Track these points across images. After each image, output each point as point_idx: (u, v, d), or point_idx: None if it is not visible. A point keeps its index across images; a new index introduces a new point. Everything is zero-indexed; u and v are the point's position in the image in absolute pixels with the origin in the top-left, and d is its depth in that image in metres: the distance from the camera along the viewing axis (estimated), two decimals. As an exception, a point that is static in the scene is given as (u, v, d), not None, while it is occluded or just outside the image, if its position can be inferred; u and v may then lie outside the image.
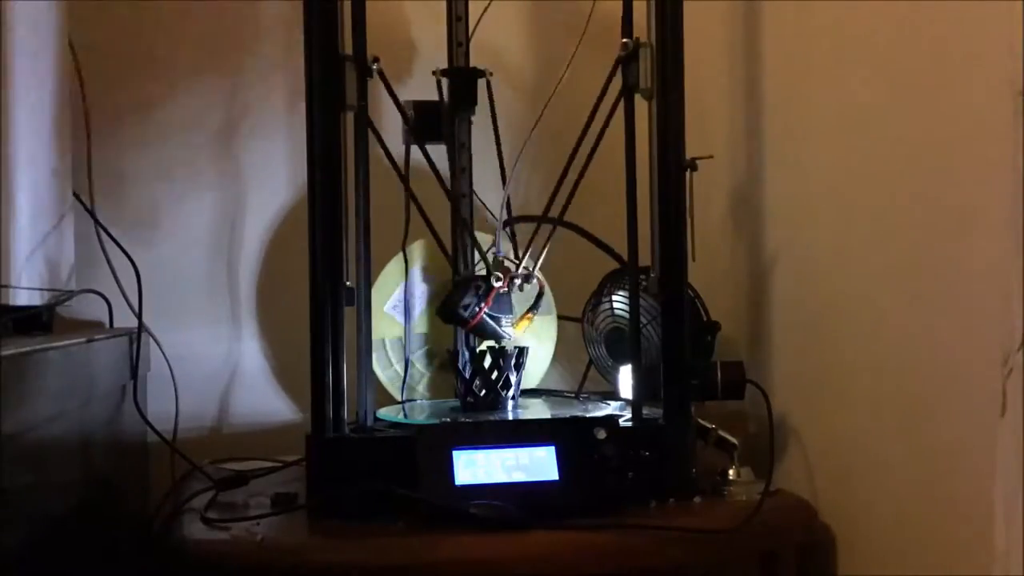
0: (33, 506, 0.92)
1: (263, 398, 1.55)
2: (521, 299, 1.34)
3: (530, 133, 1.29)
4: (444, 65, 1.41)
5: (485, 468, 1.12)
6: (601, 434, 1.15)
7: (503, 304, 1.31)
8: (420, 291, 1.44)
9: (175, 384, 1.49)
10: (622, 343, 1.34)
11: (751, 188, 1.43)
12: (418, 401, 1.45)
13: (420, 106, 1.37)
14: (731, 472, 1.23)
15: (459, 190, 1.40)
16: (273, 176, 1.55)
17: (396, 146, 1.35)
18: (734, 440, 1.25)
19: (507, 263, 1.31)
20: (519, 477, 1.12)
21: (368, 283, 1.24)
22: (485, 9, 1.40)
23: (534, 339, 1.43)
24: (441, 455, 1.12)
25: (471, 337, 1.38)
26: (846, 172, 1.20)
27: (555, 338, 1.51)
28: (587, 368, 1.51)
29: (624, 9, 1.25)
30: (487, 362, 1.33)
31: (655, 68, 1.21)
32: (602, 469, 1.14)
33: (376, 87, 1.27)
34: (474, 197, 1.41)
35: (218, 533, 1.10)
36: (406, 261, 1.40)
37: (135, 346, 1.33)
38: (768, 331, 1.38)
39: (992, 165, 0.92)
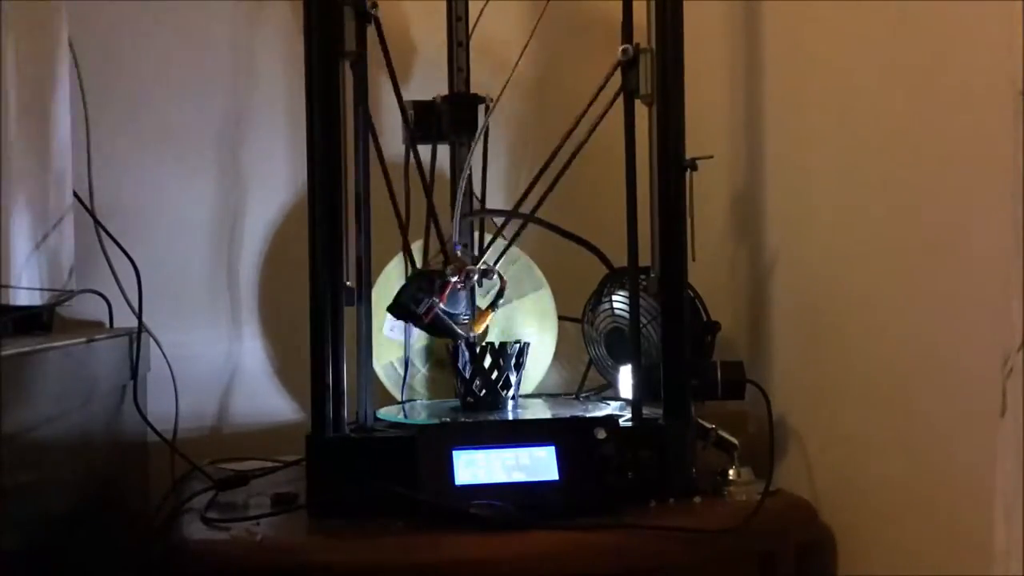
0: (33, 506, 0.92)
1: (263, 398, 1.55)
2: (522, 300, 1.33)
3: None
4: (444, 66, 1.41)
5: (485, 468, 1.12)
6: (601, 434, 1.15)
7: (459, 300, 1.26)
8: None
9: (175, 384, 1.49)
10: (622, 343, 1.34)
11: (751, 188, 1.43)
12: (418, 401, 1.45)
13: (420, 106, 1.37)
14: (731, 472, 1.23)
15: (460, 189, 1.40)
16: (273, 176, 1.55)
17: (396, 145, 1.35)
18: (734, 440, 1.25)
19: (464, 257, 1.27)
20: (519, 477, 1.12)
21: (368, 283, 1.24)
22: (483, 9, 1.40)
23: (534, 339, 1.43)
24: (441, 455, 1.12)
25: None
26: (846, 172, 1.20)
27: (555, 338, 1.51)
28: (587, 368, 1.51)
29: (624, 14, 1.24)
30: (487, 362, 1.32)
31: (655, 74, 1.21)
32: (602, 469, 1.14)
33: (376, 85, 1.27)
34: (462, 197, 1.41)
35: (218, 533, 1.10)
36: (406, 261, 1.40)
37: (135, 346, 1.33)
38: (768, 331, 1.38)
39: (992, 165, 0.92)
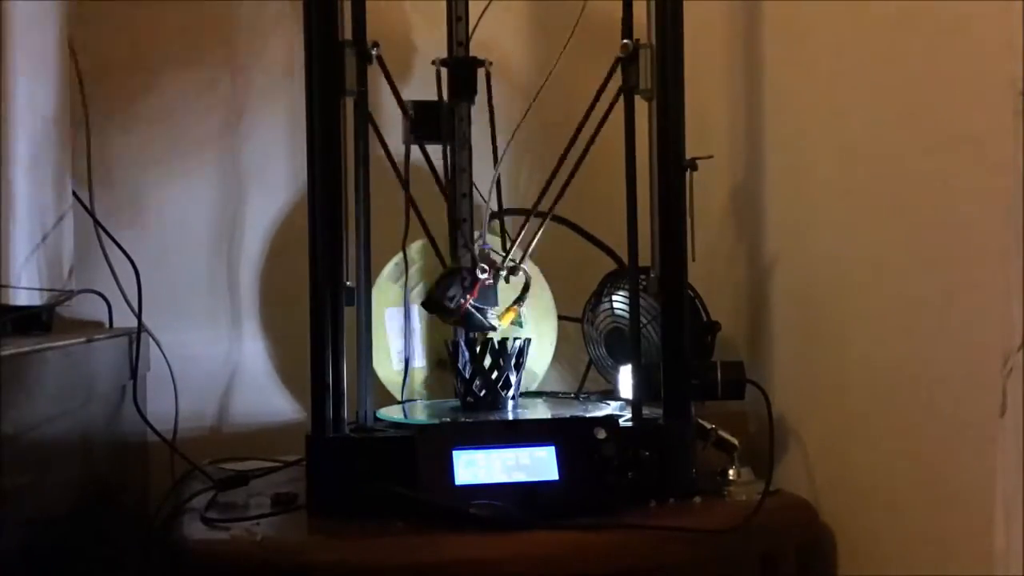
0: (33, 506, 0.92)
1: (263, 398, 1.55)
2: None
3: (521, 120, 1.28)
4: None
5: (485, 468, 1.12)
6: (601, 434, 1.15)
7: (489, 296, 1.30)
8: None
9: (175, 384, 1.49)
10: (622, 343, 1.34)
11: (751, 188, 1.43)
12: (418, 401, 1.45)
13: (420, 106, 1.37)
14: (731, 472, 1.23)
15: (459, 189, 1.40)
16: (273, 176, 1.55)
17: (396, 145, 1.35)
18: (734, 440, 1.24)
19: (493, 255, 1.30)
20: (519, 477, 1.12)
21: (368, 283, 1.24)
22: (485, 9, 1.40)
23: (534, 339, 1.43)
24: (441, 455, 1.12)
25: (472, 334, 1.38)
26: (846, 172, 1.20)
27: (555, 338, 1.51)
28: (587, 368, 1.51)
29: (624, 10, 1.25)
30: (487, 362, 1.32)
31: (655, 69, 1.21)
32: (602, 469, 1.14)
33: (375, 83, 1.28)
34: (474, 195, 1.41)
35: (218, 533, 1.10)
36: (406, 261, 1.40)
37: (135, 346, 1.33)
38: (768, 331, 1.38)
39: (992, 165, 0.92)
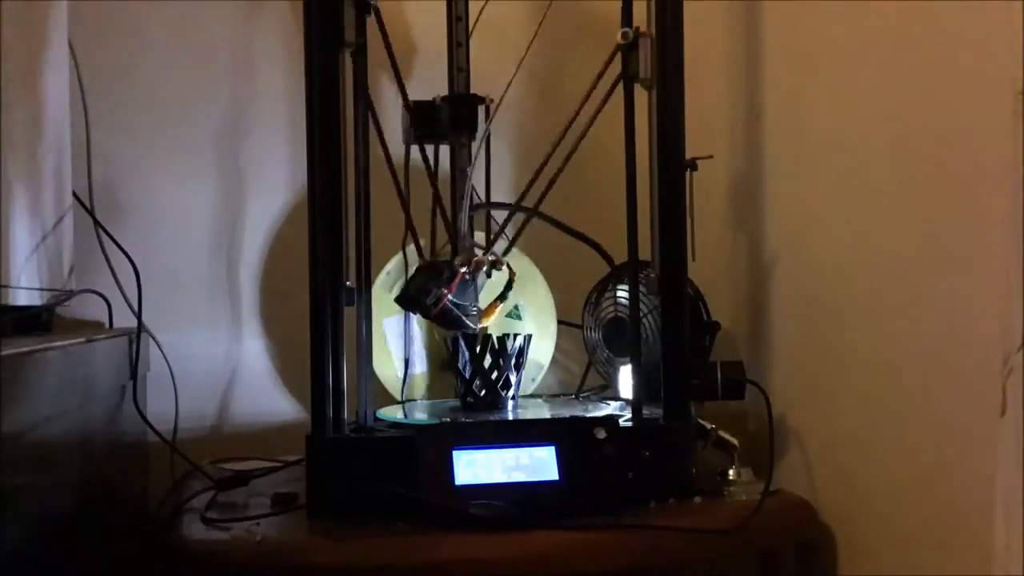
0: (33, 506, 0.92)
1: (263, 398, 1.55)
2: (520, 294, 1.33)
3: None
4: (444, 66, 1.41)
5: (485, 468, 1.12)
6: (601, 434, 1.15)
7: (468, 293, 1.26)
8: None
9: (175, 384, 1.49)
10: (621, 333, 1.34)
11: (751, 188, 1.43)
12: (418, 401, 1.45)
13: (420, 106, 1.37)
14: (731, 472, 1.23)
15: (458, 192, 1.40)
16: (273, 176, 1.55)
17: (396, 145, 1.34)
18: (734, 440, 1.25)
19: (475, 249, 1.26)
20: (519, 477, 1.12)
21: (368, 283, 1.24)
22: (483, 8, 1.40)
23: (534, 339, 1.43)
24: (441, 455, 1.12)
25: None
26: (846, 172, 1.20)
27: (555, 338, 1.51)
28: (587, 368, 1.51)
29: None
30: (487, 361, 1.32)
31: (655, 58, 1.21)
32: (602, 469, 1.14)
33: (376, 83, 1.27)
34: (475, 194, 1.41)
35: (218, 533, 1.10)
36: (406, 262, 1.40)
37: (135, 346, 1.33)
38: (768, 331, 1.38)
39: (992, 165, 0.92)
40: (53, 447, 1.00)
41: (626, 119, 1.23)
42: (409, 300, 1.23)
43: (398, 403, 1.42)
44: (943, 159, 1.00)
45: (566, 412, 1.31)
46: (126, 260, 1.42)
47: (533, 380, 1.49)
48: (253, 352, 1.55)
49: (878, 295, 1.13)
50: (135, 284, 1.39)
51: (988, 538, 0.91)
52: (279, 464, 1.34)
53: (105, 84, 1.48)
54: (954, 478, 0.99)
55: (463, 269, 1.23)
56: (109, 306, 1.40)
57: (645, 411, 1.24)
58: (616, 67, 1.25)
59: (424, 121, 1.36)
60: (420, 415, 1.33)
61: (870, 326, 1.14)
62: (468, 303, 1.26)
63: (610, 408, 1.33)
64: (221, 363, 1.54)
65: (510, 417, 1.30)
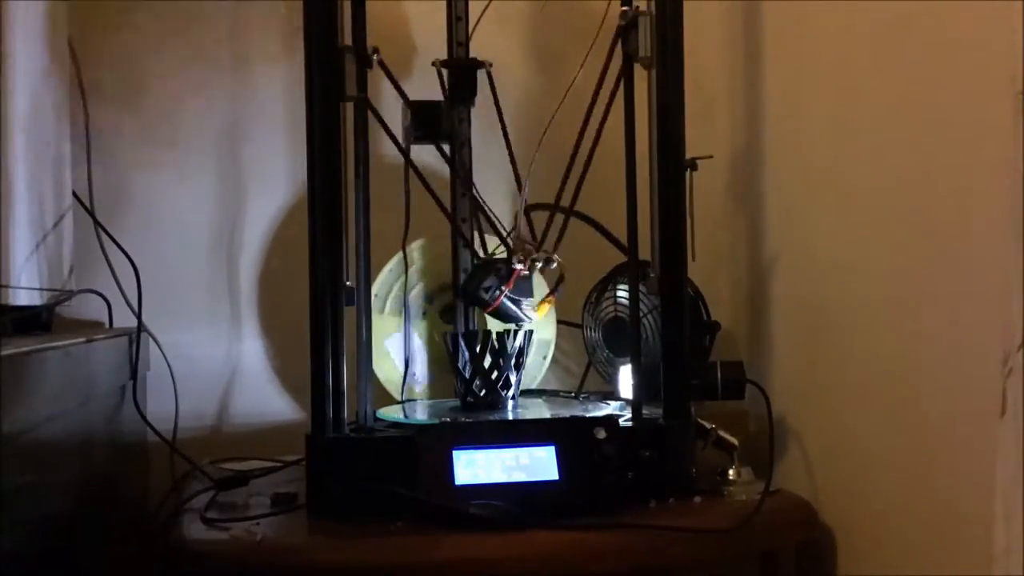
0: (33, 506, 0.92)
1: (263, 398, 1.55)
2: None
3: (542, 136, 1.28)
4: (444, 66, 1.41)
5: (485, 468, 1.12)
6: (601, 434, 1.15)
7: (523, 287, 1.30)
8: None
9: (175, 384, 1.49)
10: (621, 332, 1.34)
11: (751, 188, 1.43)
12: (418, 401, 1.45)
13: (420, 106, 1.37)
14: (731, 472, 1.23)
15: (460, 189, 1.40)
16: (273, 176, 1.55)
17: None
18: (734, 440, 1.24)
19: (527, 246, 1.28)
20: (519, 477, 1.12)
21: (368, 283, 1.24)
22: (485, 9, 1.40)
23: (534, 339, 1.43)
24: (441, 455, 1.12)
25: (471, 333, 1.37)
26: (846, 173, 1.20)
27: (554, 338, 1.51)
28: (587, 368, 1.51)
29: (623, -23, 1.24)
30: (487, 361, 1.32)
31: (654, 36, 1.21)
32: (602, 469, 1.14)
33: (376, 82, 1.27)
34: (475, 194, 1.41)
35: (218, 533, 1.10)
36: (406, 261, 1.40)
37: (135, 346, 1.33)
38: (768, 331, 1.38)
39: (992, 165, 0.92)
40: (53, 447, 1.00)
41: (626, 103, 1.23)
42: (469, 296, 1.29)
43: (398, 403, 1.42)
44: (943, 159, 1.00)
45: (566, 412, 1.31)
46: (126, 260, 1.43)
47: (545, 358, 1.49)
48: (253, 352, 1.55)
49: (878, 295, 1.13)
50: (135, 284, 1.39)
51: (988, 538, 0.91)
52: (279, 464, 1.34)
53: (105, 84, 1.48)
54: (954, 478, 0.99)
55: (519, 266, 1.27)
56: (109, 306, 1.40)
57: (645, 411, 1.24)
58: (616, 65, 1.25)
59: (425, 121, 1.36)
60: (420, 415, 1.33)
61: (870, 326, 1.14)
62: (523, 297, 1.30)
63: (610, 408, 1.33)
64: (221, 363, 1.54)
65: (510, 417, 1.30)
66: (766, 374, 1.34)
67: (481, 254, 1.38)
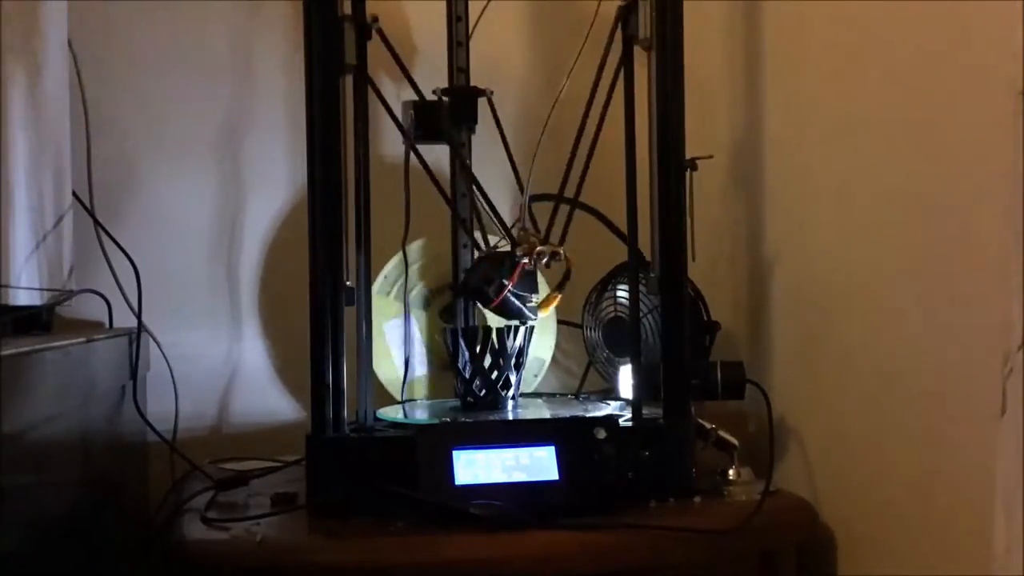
0: (33, 506, 0.92)
1: (263, 398, 1.55)
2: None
3: (542, 135, 1.28)
4: (444, 66, 1.41)
5: (485, 468, 1.12)
6: (601, 434, 1.15)
7: (528, 282, 1.25)
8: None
9: (175, 384, 1.49)
10: (621, 332, 1.34)
11: (751, 188, 1.43)
12: (418, 401, 1.45)
13: (419, 107, 1.37)
14: (731, 472, 1.23)
15: (459, 188, 1.40)
16: (273, 176, 1.55)
17: (396, 143, 1.35)
18: (734, 440, 1.24)
19: (532, 239, 1.25)
20: (519, 477, 1.12)
21: (368, 283, 1.24)
22: (484, 8, 1.40)
23: (534, 339, 1.42)
24: (441, 455, 1.12)
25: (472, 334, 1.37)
26: (846, 173, 1.20)
27: (554, 338, 1.51)
28: (587, 368, 1.51)
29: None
30: (487, 361, 1.32)
31: (654, 17, 1.21)
32: (602, 469, 1.14)
33: (378, 83, 1.27)
34: (475, 195, 1.41)
35: (218, 533, 1.10)
36: (406, 261, 1.40)
37: (135, 346, 1.33)
38: (768, 331, 1.38)
39: (992, 165, 0.92)
40: (53, 447, 1.00)
41: (626, 87, 1.23)
42: (471, 290, 1.23)
43: (398, 403, 1.42)
44: (943, 159, 1.00)
45: (566, 412, 1.31)
46: (126, 260, 1.42)
47: (536, 376, 1.49)
48: (253, 352, 1.55)
49: (878, 295, 1.13)
50: (135, 284, 1.39)
51: (988, 538, 0.91)
52: (279, 464, 1.34)
53: (105, 84, 1.48)
54: (954, 478, 0.99)
55: (524, 260, 1.23)
56: (109, 306, 1.40)
57: (645, 411, 1.24)
58: (616, 54, 1.25)
59: (425, 121, 1.36)
60: (420, 415, 1.33)
61: (870, 326, 1.14)
62: (528, 293, 1.26)
63: (610, 408, 1.33)
64: (221, 363, 1.54)
65: (510, 417, 1.30)
66: (766, 374, 1.34)
67: (483, 247, 1.37)
